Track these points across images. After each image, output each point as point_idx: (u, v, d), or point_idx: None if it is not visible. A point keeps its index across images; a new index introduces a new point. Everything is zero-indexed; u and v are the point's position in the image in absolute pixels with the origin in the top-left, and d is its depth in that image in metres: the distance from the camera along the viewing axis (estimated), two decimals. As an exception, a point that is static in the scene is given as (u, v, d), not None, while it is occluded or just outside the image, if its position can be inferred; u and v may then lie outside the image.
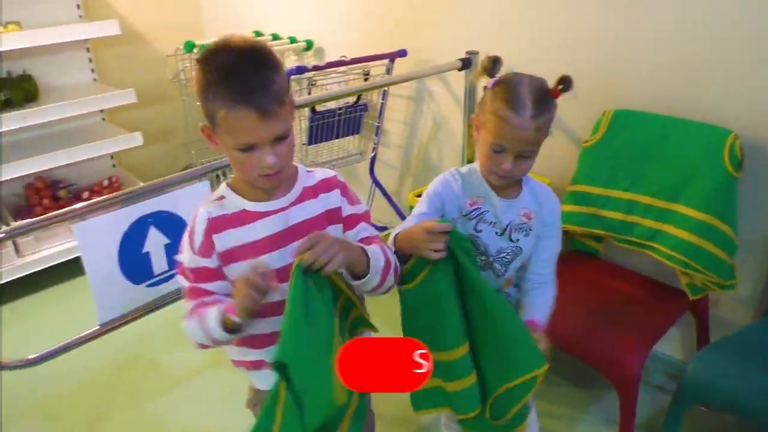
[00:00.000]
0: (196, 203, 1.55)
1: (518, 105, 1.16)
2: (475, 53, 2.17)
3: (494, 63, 1.23)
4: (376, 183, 2.74)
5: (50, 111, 2.56)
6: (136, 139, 2.82)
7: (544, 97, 1.19)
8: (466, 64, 2.15)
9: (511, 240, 1.28)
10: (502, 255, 1.28)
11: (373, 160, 2.73)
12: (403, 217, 2.62)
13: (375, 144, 2.69)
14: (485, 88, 1.25)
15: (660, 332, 1.63)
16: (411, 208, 2.02)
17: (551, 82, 1.23)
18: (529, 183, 1.34)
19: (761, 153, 1.68)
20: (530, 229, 1.29)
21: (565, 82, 1.21)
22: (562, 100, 2.03)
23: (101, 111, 3.10)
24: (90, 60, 3.00)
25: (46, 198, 2.82)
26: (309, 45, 2.84)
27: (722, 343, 1.54)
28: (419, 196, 2.02)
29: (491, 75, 1.23)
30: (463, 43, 2.21)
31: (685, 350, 2.03)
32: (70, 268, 2.69)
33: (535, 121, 1.16)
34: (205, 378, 2.14)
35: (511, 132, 1.16)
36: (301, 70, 2.22)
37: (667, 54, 1.79)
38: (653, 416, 1.86)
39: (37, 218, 1.33)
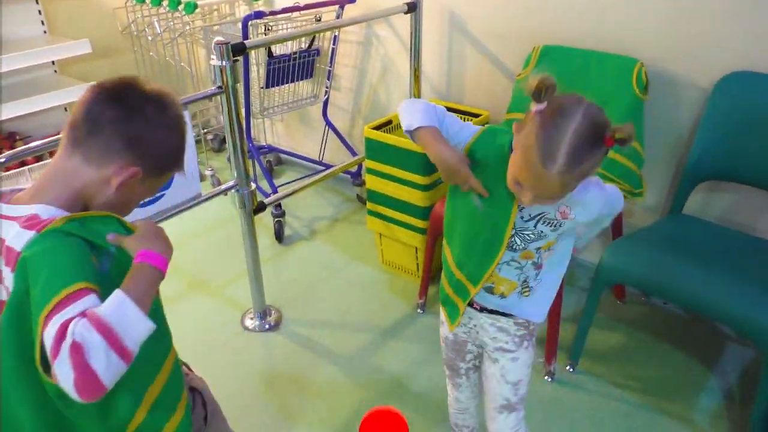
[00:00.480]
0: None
1: (548, 156, 0.97)
2: (419, -3, 2.38)
3: (546, 89, 1.00)
4: (329, 124, 2.94)
5: (7, 61, 2.61)
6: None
7: (586, 147, 0.98)
8: (411, 7, 2.35)
9: (535, 227, 1.16)
10: (524, 233, 1.17)
11: (325, 103, 2.92)
12: (354, 154, 2.83)
13: (327, 88, 2.88)
14: (528, 111, 1.04)
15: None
16: (366, 140, 2.25)
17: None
18: (586, 181, 1.10)
19: (664, 78, 1.98)
20: (560, 226, 1.16)
21: (623, 140, 0.99)
22: (493, 40, 2.27)
23: (53, 63, 3.13)
24: (39, 12, 3.02)
25: (6, 149, 2.87)
26: (259, -6, 2.98)
27: (631, 235, 1.85)
28: (375, 128, 2.25)
29: (538, 100, 1.01)
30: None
31: (605, 256, 2.37)
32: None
33: (562, 176, 0.99)
34: (188, 303, 2.33)
35: (534, 179, 1.02)
36: (259, 15, 2.37)
37: (585, -5, 2.06)
38: (578, 310, 2.18)
39: (39, 142, 1.48)
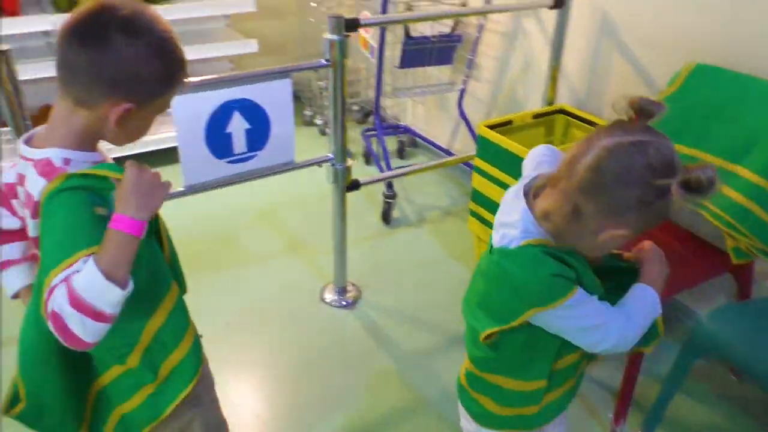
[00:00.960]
0: (278, 97, 1.77)
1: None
2: (571, -7, 2.18)
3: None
4: (462, 115, 2.84)
5: (180, 10, 2.88)
6: (251, 46, 3.09)
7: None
8: (558, 2, 2.16)
9: None
10: None
11: (462, 92, 2.82)
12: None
13: (466, 76, 2.77)
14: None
15: (685, 284, 1.66)
16: (479, 137, 2.13)
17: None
18: None
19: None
20: None
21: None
22: (644, 49, 1.98)
23: (226, 17, 3.39)
24: (222, -32, 3.28)
25: (171, 89, 3.18)
26: (419, -27, 2.93)
27: (745, 304, 1.55)
28: (492, 126, 2.12)
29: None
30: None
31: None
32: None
33: None
34: (281, 263, 2.43)
35: None
36: (398, -8, 2.34)
37: (754, 11, 1.73)
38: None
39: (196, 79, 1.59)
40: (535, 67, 2.52)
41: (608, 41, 2.19)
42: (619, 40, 2.14)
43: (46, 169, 0.90)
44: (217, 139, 1.73)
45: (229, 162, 1.79)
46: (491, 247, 1.01)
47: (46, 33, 2.91)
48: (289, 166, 1.91)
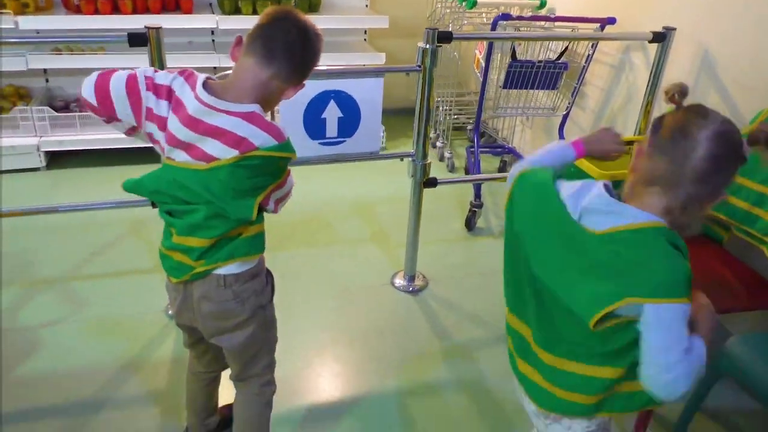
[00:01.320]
0: (370, 93, 2.03)
1: None
2: (672, 29, 2.22)
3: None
4: (562, 139, 2.93)
5: (325, 21, 3.27)
6: (379, 58, 3.40)
7: None
8: (658, 38, 2.22)
9: None
10: None
11: (565, 117, 2.91)
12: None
13: (570, 103, 2.87)
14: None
15: (726, 308, 1.66)
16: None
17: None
18: None
19: None
20: None
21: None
22: (740, 89, 1.99)
23: (365, 32, 3.76)
24: (367, -13, 3.66)
25: (305, 89, 3.59)
26: (542, 3, 3.08)
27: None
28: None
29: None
30: (678, 21, 2.28)
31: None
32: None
33: None
34: (365, 248, 2.69)
35: None
36: (506, 17, 2.52)
37: None
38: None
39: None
40: (636, 99, 2.57)
41: (706, 78, 2.20)
42: (716, 78, 2.16)
43: (255, 119, 1.15)
44: (313, 122, 2.02)
45: (321, 143, 2.08)
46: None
47: (212, 31, 3.45)
48: (374, 156, 2.16)
